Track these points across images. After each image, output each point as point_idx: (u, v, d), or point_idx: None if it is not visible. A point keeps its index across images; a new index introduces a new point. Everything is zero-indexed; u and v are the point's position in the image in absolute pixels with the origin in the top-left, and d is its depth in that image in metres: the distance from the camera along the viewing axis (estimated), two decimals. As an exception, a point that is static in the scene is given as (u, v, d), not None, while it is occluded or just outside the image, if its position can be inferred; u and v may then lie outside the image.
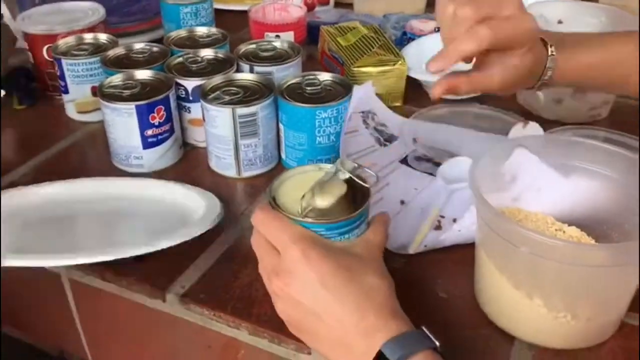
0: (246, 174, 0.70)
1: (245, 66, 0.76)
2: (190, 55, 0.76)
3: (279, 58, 0.77)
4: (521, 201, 0.56)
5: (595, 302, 0.47)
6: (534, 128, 0.71)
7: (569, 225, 0.54)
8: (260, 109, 0.67)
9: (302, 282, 0.45)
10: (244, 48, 0.79)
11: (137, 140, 0.69)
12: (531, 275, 0.47)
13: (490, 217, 0.47)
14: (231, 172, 0.70)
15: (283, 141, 0.70)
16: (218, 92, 0.69)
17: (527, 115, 0.81)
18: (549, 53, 0.62)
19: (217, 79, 0.71)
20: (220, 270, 0.58)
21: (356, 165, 0.52)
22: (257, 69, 0.75)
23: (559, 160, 0.55)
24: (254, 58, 0.77)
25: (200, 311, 0.55)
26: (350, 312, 0.44)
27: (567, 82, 0.66)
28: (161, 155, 0.71)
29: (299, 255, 0.45)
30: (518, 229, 0.45)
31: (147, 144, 0.70)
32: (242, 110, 0.66)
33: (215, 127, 0.68)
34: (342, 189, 0.51)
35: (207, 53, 0.77)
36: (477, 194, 0.47)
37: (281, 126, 0.70)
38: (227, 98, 0.68)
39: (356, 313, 0.44)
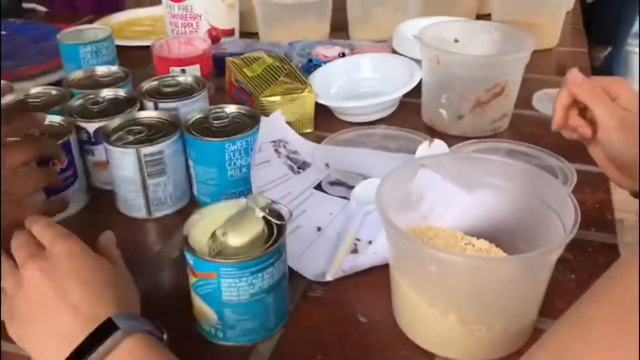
0: (157, 214, 0.68)
1: (149, 103, 0.74)
2: (91, 97, 0.74)
3: (184, 93, 0.76)
4: (430, 219, 0.57)
5: (507, 312, 0.49)
6: (439, 145, 0.73)
7: (478, 238, 0.56)
8: (166, 147, 0.66)
9: (59, 269, 0.47)
10: (146, 85, 0.78)
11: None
12: (443, 293, 0.48)
13: (398, 238, 0.48)
14: (141, 213, 0.68)
15: (194, 177, 0.69)
16: (121, 133, 0.67)
17: (433, 132, 0.84)
18: None
19: (119, 119, 0.69)
20: (134, 318, 0.56)
21: (269, 200, 0.51)
22: (161, 105, 0.74)
23: (462, 176, 0.57)
24: (157, 95, 0.76)
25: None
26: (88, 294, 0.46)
27: None
28: (66, 202, 0.68)
29: (64, 249, 0.48)
30: (426, 248, 0.46)
31: (50, 192, 0.66)
32: (147, 150, 0.65)
33: (121, 168, 0.66)
34: (257, 225, 0.50)
35: (107, 93, 0.75)
36: (384, 216, 0.48)
37: (190, 162, 0.69)
38: (131, 138, 0.66)
39: (94, 294, 0.46)
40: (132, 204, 0.68)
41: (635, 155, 0.57)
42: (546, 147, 0.76)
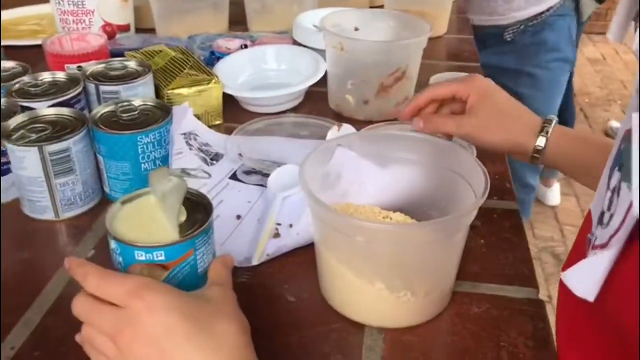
0: (66, 214, 0.65)
1: (91, 86, 0.74)
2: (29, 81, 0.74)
3: (128, 77, 0.76)
4: (349, 196, 0.59)
5: (429, 276, 0.52)
6: (347, 129, 0.75)
7: (394, 211, 0.59)
8: (73, 144, 0.63)
9: (147, 335, 0.41)
10: (92, 68, 0.77)
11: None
12: (370, 262, 0.50)
13: (324, 213, 0.49)
14: (49, 215, 0.65)
15: (104, 174, 0.67)
16: (23, 131, 0.63)
17: (340, 118, 0.86)
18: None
19: (20, 117, 0.65)
20: (52, 323, 0.53)
21: (180, 168, 0.51)
22: (103, 88, 0.74)
23: (376, 153, 0.59)
24: (102, 78, 0.76)
25: (37, 370, 0.49)
26: None
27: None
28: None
29: (142, 306, 0.41)
30: (351, 220, 0.48)
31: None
32: (52, 147, 0.62)
33: (24, 168, 0.62)
34: (184, 195, 0.50)
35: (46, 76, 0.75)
36: (310, 195, 0.49)
37: (100, 158, 0.66)
38: (33, 136, 0.63)
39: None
40: (39, 205, 0.64)
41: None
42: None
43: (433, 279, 0.52)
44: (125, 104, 0.69)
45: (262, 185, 0.71)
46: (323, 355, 0.50)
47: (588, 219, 0.40)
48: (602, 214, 0.36)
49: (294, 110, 0.89)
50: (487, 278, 0.58)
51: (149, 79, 0.77)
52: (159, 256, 0.46)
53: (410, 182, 0.59)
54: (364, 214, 0.58)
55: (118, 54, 0.93)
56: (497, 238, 0.63)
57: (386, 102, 0.86)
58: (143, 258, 0.47)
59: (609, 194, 0.36)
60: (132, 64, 0.79)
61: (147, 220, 0.50)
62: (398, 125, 0.81)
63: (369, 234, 0.47)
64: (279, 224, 0.64)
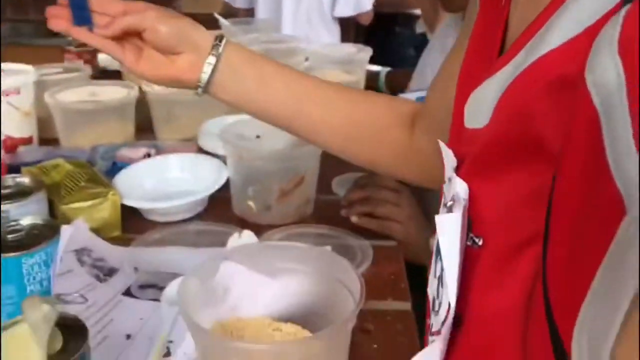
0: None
1: None
2: None
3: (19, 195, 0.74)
4: (240, 310, 0.59)
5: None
6: (248, 236, 0.76)
7: (286, 322, 0.58)
8: (-50, 269, 0.60)
9: None
10: None
11: None
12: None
13: (201, 335, 0.49)
14: None
15: (-13, 298, 0.64)
16: None
17: (245, 223, 0.86)
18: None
19: None
20: None
21: (48, 298, 0.49)
22: None
23: (265, 264, 0.60)
24: None
25: None
26: None
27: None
28: None
29: None
30: (228, 343, 0.47)
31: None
32: None
33: None
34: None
35: None
36: (185, 314, 0.48)
37: (-16, 282, 0.64)
38: None
39: None
40: None
41: None
42: (346, 228, 0.82)
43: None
44: (12, 223, 0.67)
45: (157, 299, 0.69)
46: None
47: (427, 303, 0.41)
48: (434, 301, 0.38)
49: (200, 217, 0.89)
50: (380, 385, 0.58)
51: (41, 196, 0.76)
52: None
53: (299, 291, 0.60)
54: (255, 327, 0.57)
55: (16, 169, 0.92)
56: (391, 342, 0.64)
57: (287, 207, 0.87)
58: None
59: (435, 281, 0.38)
60: (25, 181, 0.78)
61: (19, 350, 0.48)
62: (298, 230, 0.83)
63: (247, 355, 0.47)
64: (171, 342, 0.62)
